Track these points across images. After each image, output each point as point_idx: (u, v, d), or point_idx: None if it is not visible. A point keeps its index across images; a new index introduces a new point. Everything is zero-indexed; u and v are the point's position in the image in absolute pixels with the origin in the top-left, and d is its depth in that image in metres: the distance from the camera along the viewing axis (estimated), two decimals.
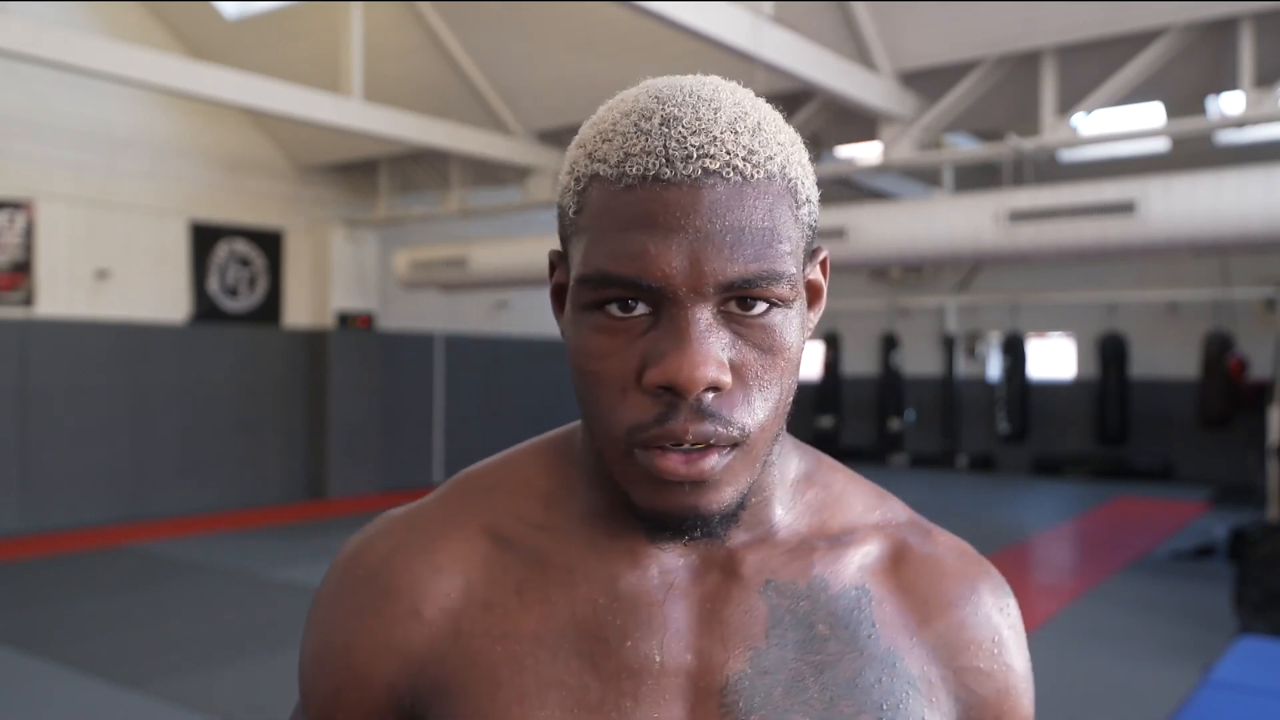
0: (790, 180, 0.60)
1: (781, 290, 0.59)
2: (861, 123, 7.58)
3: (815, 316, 0.68)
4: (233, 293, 10.05)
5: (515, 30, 8.10)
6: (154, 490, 9.40)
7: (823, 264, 0.68)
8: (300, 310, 10.69)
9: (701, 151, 0.57)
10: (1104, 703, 4.48)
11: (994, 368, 13.74)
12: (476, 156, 8.81)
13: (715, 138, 0.58)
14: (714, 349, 0.58)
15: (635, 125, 0.59)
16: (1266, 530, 5.80)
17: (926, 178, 11.41)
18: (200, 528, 8.88)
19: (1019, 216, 6.58)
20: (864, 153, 9.14)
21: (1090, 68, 6.68)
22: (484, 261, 9.48)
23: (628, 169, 0.58)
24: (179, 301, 9.65)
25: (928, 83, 7.25)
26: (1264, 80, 6.14)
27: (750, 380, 0.60)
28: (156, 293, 9.47)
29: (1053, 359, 13.77)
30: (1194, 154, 10.58)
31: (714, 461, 0.59)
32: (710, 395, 0.58)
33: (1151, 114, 9.26)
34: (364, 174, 11.10)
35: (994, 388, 13.34)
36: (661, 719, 0.64)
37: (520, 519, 0.70)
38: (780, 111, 0.65)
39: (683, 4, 5.05)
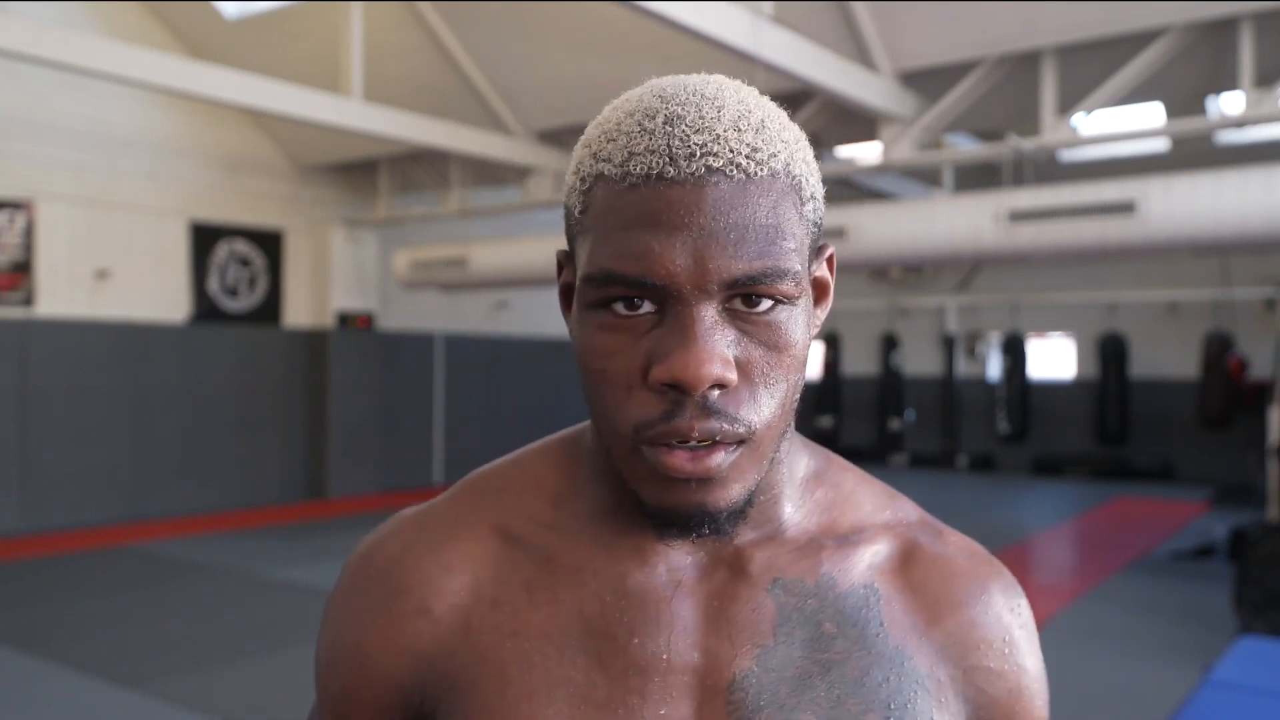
0: (794, 177, 0.61)
1: (786, 287, 0.59)
2: (861, 123, 7.58)
3: (822, 313, 0.68)
4: (233, 293, 10.05)
5: (515, 30, 8.10)
6: (154, 490, 9.40)
7: (829, 261, 0.68)
8: (300, 310, 10.69)
9: (705, 150, 0.58)
10: (1104, 703, 4.48)
11: (994, 368, 13.74)
12: (476, 156, 8.82)
13: (719, 136, 0.58)
14: (719, 346, 0.58)
15: (639, 124, 0.60)
16: (1266, 530, 5.80)
17: (926, 178, 11.41)
18: (200, 528, 8.88)
19: (1019, 216, 6.58)
20: (864, 153, 9.14)
21: (1090, 68, 6.68)
22: (484, 261, 9.48)
23: (632, 168, 0.59)
24: (179, 301, 9.65)
25: (928, 83, 7.25)
26: (1264, 80, 6.14)
27: (756, 378, 0.60)
28: (156, 293, 9.47)
29: (1053, 359, 13.77)
30: (1194, 154, 10.58)
31: (720, 459, 0.59)
32: (716, 392, 0.59)
33: (1151, 114, 9.26)
34: (364, 174, 11.10)
35: (994, 388, 13.34)
36: (669, 716, 0.64)
37: (530, 518, 0.71)
38: (785, 109, 0.65)
39: (683, 4, 5.05)
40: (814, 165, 0.64)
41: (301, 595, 6.49)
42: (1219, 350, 10.78)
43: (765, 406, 0.60)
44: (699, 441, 0.59)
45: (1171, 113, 9.38)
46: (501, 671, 0.66)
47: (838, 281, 14.27)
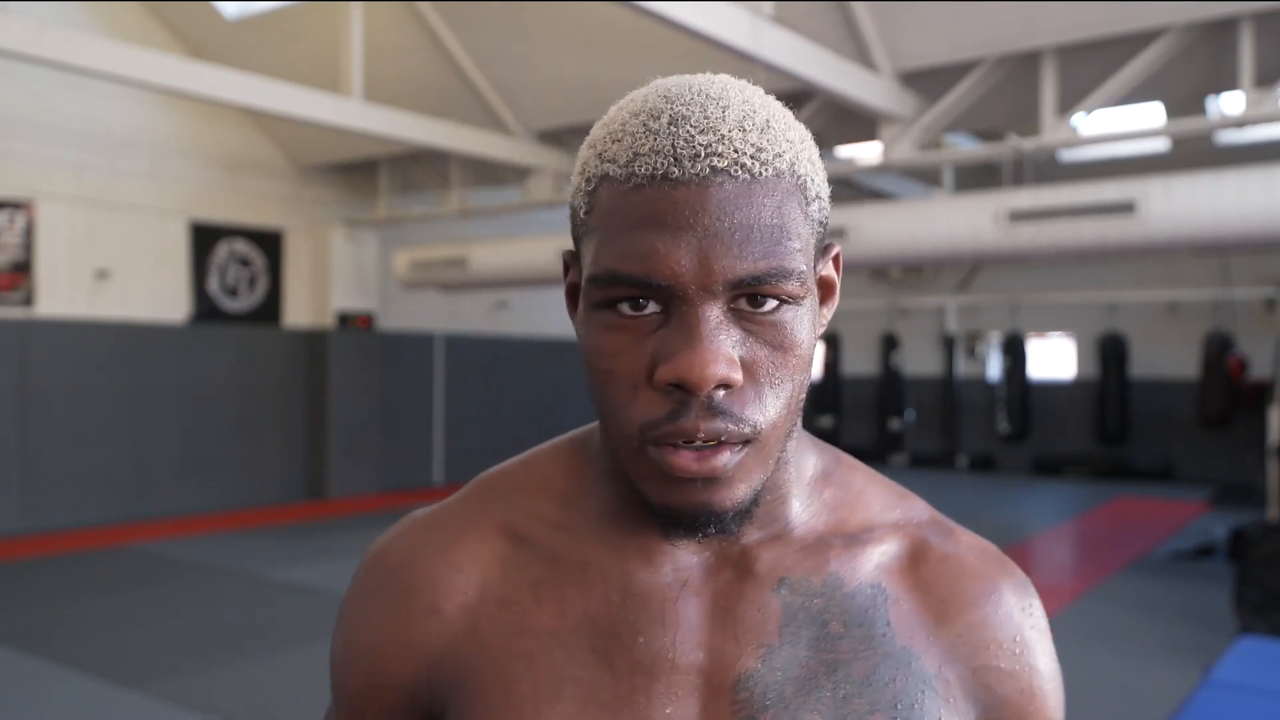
0: (799, 177, 0.61)
1: (791, 287, 0.59)
2: (861, 123, 7.58)
3: (828, 313, 0.68)
4: (233, 293, 10.05)
5: (515, 30, 8.10)
6: (154, 490, 9.40)
7: (835, 260, 0.68)
8: (300, 310, 10.69)
9: (709, 150, 0.58)
10: (1104, 703, 4.48)
11: (994, 368, 13.74)
12: (476, 156, 8.82)
13: (723, 136, 0.58)
14: (724, 346, 0.58)
15: (644, 125, 0.60)
16: (1266, 530, 5.80)
17: (926, 178, 11.41)
18: (200, 528, 8.88)
19: (1019, 216, 6.58)
20: (864, 153, 9.14)
21: (1090, 68, 6.68)
22: (484, 261, 9.48)
23: (636, 168, 0.59)
24: (179, 301, 9.65)
25: (928, 83, 7.25)
26: (1264, 80, 6.14)
27: (761, 377, 0.60)
28: (156, 293, 9.47)
29: (1053, 359, 13.77)
30: (1194, 154, 10.58)
31: (726, 459, 0.59)
32: (721, 392, 0.59)
33: (1151, 114, 9.26)
34: (364, 174, 11.10)
35: (994, 388, 13.34)
36: (674, 715, 0.64)
37: (538, 518, 0.71)
38: (791, 108, 0.65)
39: (683, 4, 5.05)
40: (819, 164, 0.64)
41: (301, 595, 6.49)
42: (1219, 350, 10.78)
43: (771, 406, 0.60)
44: (704, 441, 0.59)
45: (1171, 113, 9.38)
46: (508, 670, 0.67)
47: None
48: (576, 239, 0.65)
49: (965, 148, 9.50)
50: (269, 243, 10.39)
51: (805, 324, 0.61)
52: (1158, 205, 6.08)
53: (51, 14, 8.10)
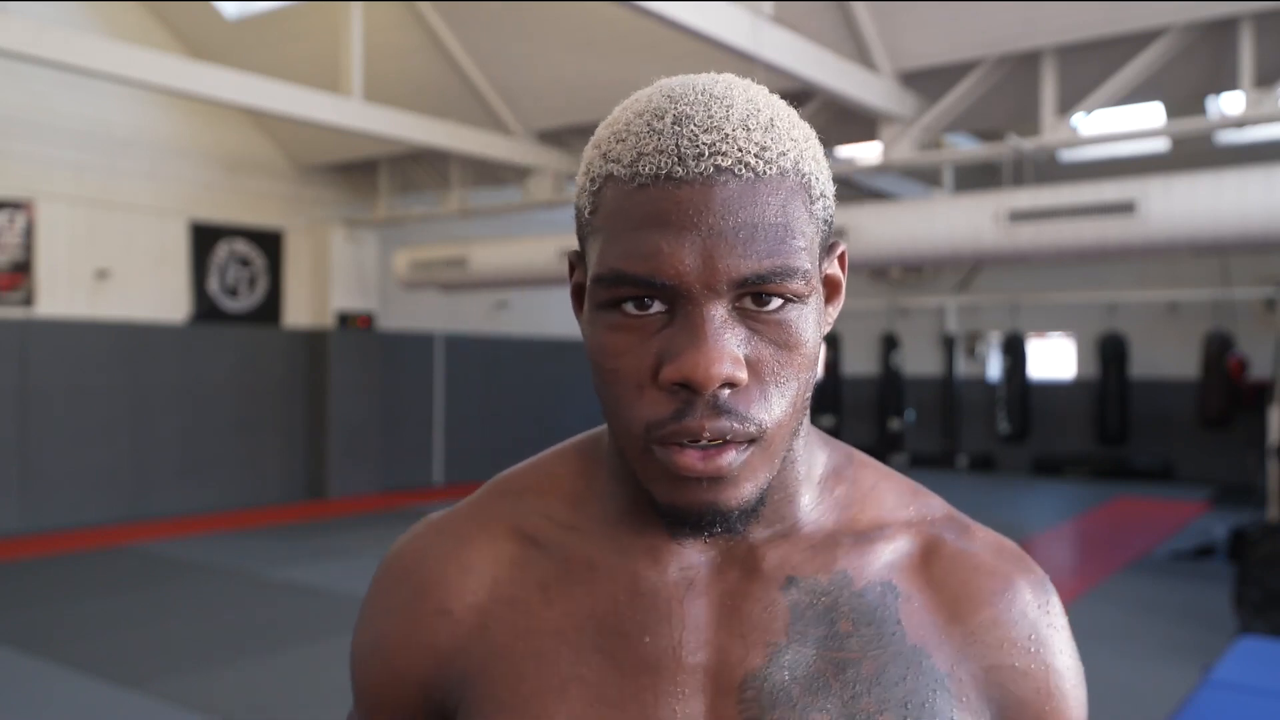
0: (804, 176, 0.61)
1: (796, 286, 0.59)
2: (861, 123, 7.58)
3: (834, 311, 0.68)
4: (233, 293, 10.05)
5: (515, 30, 8.10)
6: (154, 490, 9.40)
7: (840, 258, 0.68)
8: (300, 310, 10.69)
9: (713, 149, 0.58)
10: (1104, 703, 4.47)
11: (994, 368, 13.74)
12: (476, 156, 8.82)
13: (727, 135, 0.58)
14: (729, 345, 0.58)
15: (648, 125, 0.60)
16: (1266, 530, 5.80)
17: (926, 178, 11.41)
18: (200, 528, 8.88)
19: (1019, 216, 6.58)
20: (864, 153, 9.14)
21: (1090, 68, 6.68)
22: (484, 261, 9.48)
23: (641, 168, 0.59)
24: (179, 301, 9.65)
25: (928, 83, 7.25)
26: (1264, 80, 6.14)
27: (767, 376, 0.60)
28: (156, 293, 9.47)
29: (1053, 359, 13.77)
30: (1194, 154, 10.58)
31: (731, 458, 0.59)
32: (726, 391, 0.59)
33: (1151, 114, 9.26)
34: (364, 174, 11.10)
35: (994, 388, 13.34)
36: (680, 714, 0.65)
37: (549, 519, 0.72)
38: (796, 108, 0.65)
39: (683, 4, 5.05)
40: (824, 163, 0.64)
41: (301, 595, 6.49)
42: (1219, 350, 10.78)
43: (776, 405, 0.60)
44: (710, 441, 0.59)
45: (1171, 113, 9.38)
46: (516, 669, 0.67)
47: None
48: (582, 239, 0.65)
49: (965, 148, 9.50)
50: (269, 243, 10.39)
51: (810, 322, 0.61)
52: (1158, 205, 6.08)
53: (51, 14, 8.10)
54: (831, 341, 14.23)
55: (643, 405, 0.60)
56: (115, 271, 9.11)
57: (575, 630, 0.67)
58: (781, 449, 0.62)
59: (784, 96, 0.66)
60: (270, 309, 10.39)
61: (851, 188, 10.89)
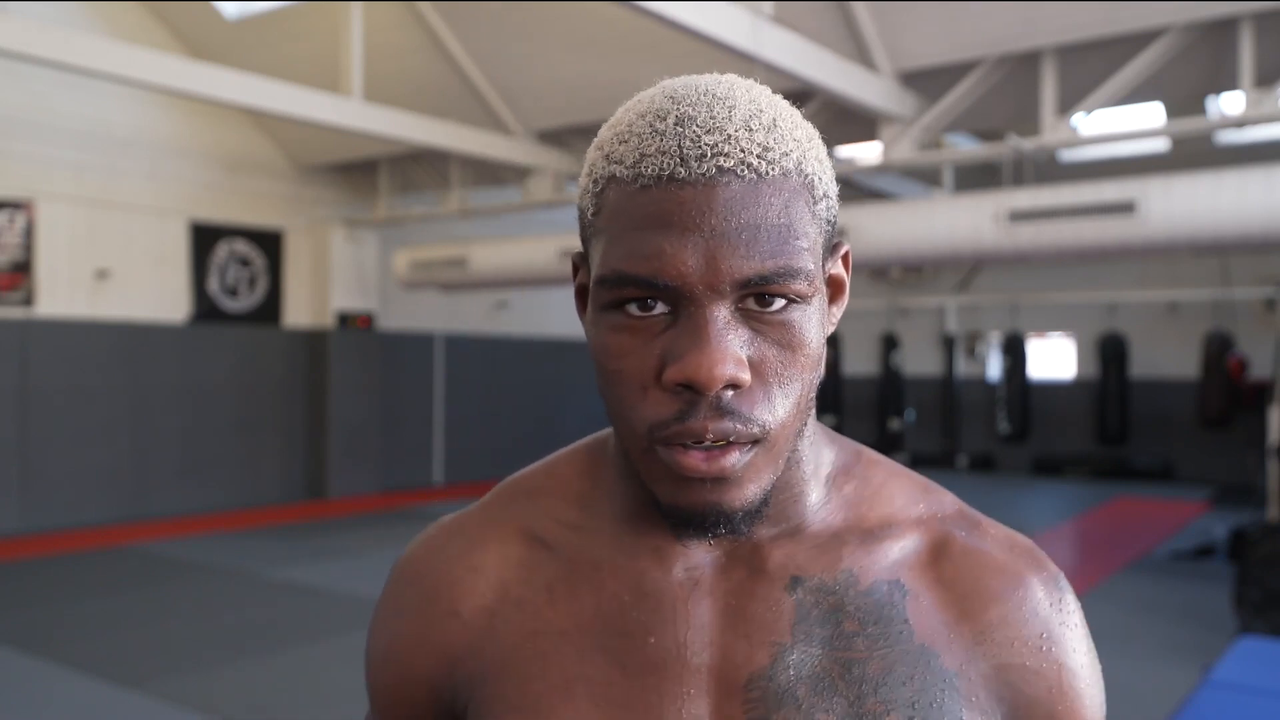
0: (807, 176, 0.61)
1: (799, 286, 0.59)
2: (861, 123, 7.58)
3: (838, 311, 0.68)
4: (233, 293, 10.05)
5: (515, 30, 8.10)
6: (154, 490, 9.40)
7: (845, 258, 0.68)
8: (300, 310, 10.69)
9: (715, 150, 0.58)
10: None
11: (994, 368, 13.74)
12: (476, 156, 8.82)
13: (729, 136, 0.58)
14: (732, 346, 0.58)
15: (650, 126, 0.60)
16: (1266, 530, 5.80)
17: (926, 178, 11.41)
18: (200, 528, 8.88)
19: (1019, 216, 6.58)
20: (864, 153, 9.14)
21: (1090, 68, 6.68)
22: (484, 261, 9.48)
23: (643, 169, 0.59)
24: (179, 301, 9.65)
25: (928, 83, 7.25)
26: (1264, 80, 6.14)
27: (770, 377, 0.60)
28: (156, 293, 9.47)
29: (1053, 359, 13.77)
30: (1194, 154, 10.58)
31: (735, 459, 0.59)
32: (730, 393, 0.59)
33: (1151, 114, 9.26)
34: (364, 174, 11.10)
35: (994, 388, 13.34)
36: (686, 715, 0.64)
37: (557, 520, 0.72)
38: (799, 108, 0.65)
39: (683, 4, 5.05)
40: (827, 163, 0.64)
41: (301, 595, 6.49)
42: (1219, 350, 10.78)
43: (780, 406, 0.60)
44: (713, 442, 0.59)
45: (1171, 113, 9.38)
46: (523, 669, 0.68)
47: None
48: (585, 240, 0.65)
49: (965, 148, 9.50)
50: (269, 243, 10.39)
51: (814, 323, 0.61)
52: (1158, 205, 6.08)
53: (51, 14, 8.10)
54: (831, 341, 14.21)
55: (646, 406, 0.60)
56: (115, 271, 9.11)
57: (581, 631, 0.67)
58: (785, 450, 0.62)
59: (784, 96, 0.66)
60: (270, 309, 10.39)
61: (851, 188, 10.89)
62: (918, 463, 13.82)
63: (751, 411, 0.59)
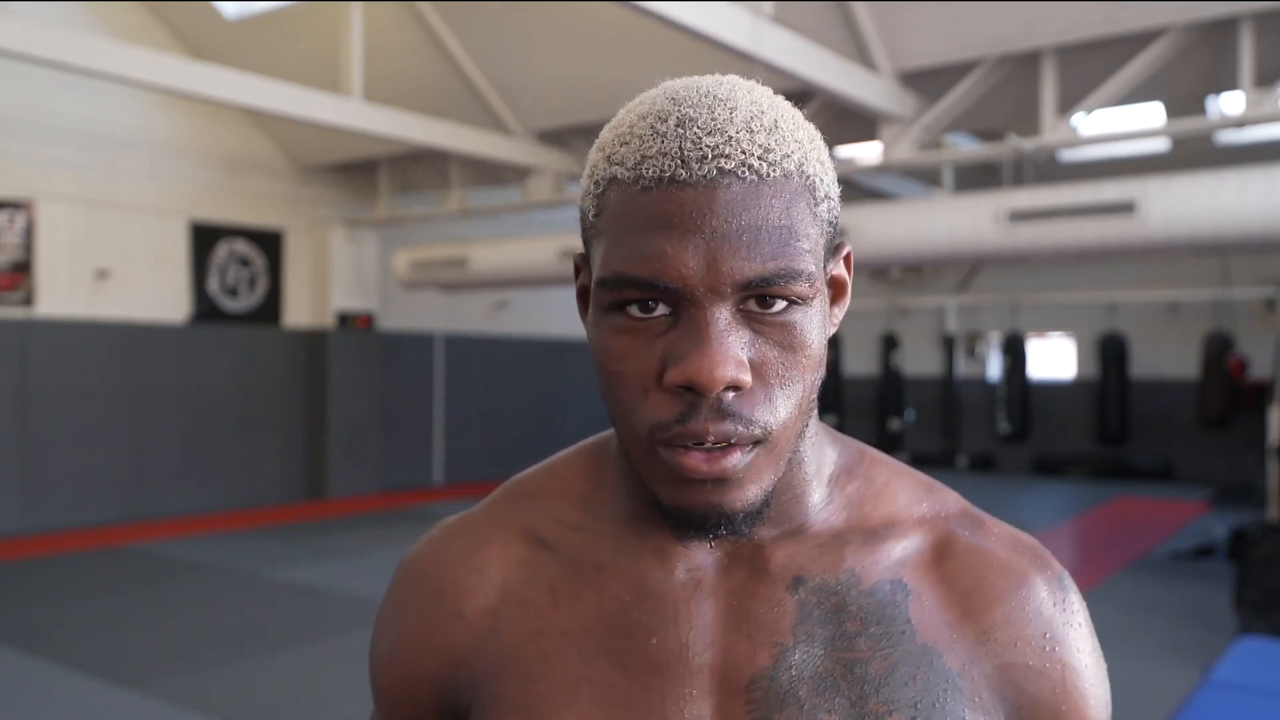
0: (808, 177, 0.61)
1: (800, 288, 0.59)
2: (861, 123, 7.58)
3: (840, 312, 0.68)
4: (233, 293, 10.05)
5: (515, 30, 8.10)
6: (154, 490, 9.40)
7: (846, 259, 0.68)
8: (300, 310, 10.69)
9: (716, 151, 0.58)
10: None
11: (994, 368, 13.74)
12: (476, 156, 8.82)
13: (730, 137, 0.58)
14: (733, 348, 0.58)
15: (651, 127, 0.60)
16: (1266, 530, 5.80)
17: (926, 178, 11.41)
18: (200, 528, 8.88)
19: (1019, 216, 6.58)
20: (864, 153, 9.14)
21: (1090, 68, 6.68)
22: (484, 261, 9.48)
23: (644, 171, 0.59)
24: (179, 301, 9.65)
25: (928, 83, 7.25)
26: (1264, 80, 6.14)
27: (771, 378, 0.60)
28: (156, 293, 9.47)
29: (1053, 359, 13.77)
30: (1194, 154, 10.58)
31: (736, 460, 0.59)
32: (731, 394, 0.59)
33: (1151, 114, 9.26)
34: (364, 174, 11.10)
35: (994, 388, 13.34)
36: (688, 715, 0.64)
37: (560, 521, 0.72)
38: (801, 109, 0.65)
39: (683, 4, 5.05)
40: (828, 164, 0.64)
41: (301, 595, 6.49)
42: (1219, 350, 10.78)
43: (781, 407, 0.60)
44: (714, 444, 0.59)
45: (1171, 113, 9.38)
46: (526, 670, 0.68)
47: None
48: (586, 242, 0.65)
49: (965, 148, 9.50)
50: (269, 243, 10.39)
51: (815, 324, 0.61)
52: (1158, 205, 6.08)
53: (51, 14, 8.10)
54: (832, 341, 13.95)
55: (647, 408, 0.60)
56: (115, 271, 9.11)
57: (583, 632, 0.67)
58: (787, 451, 0.62)
59: (784, 97, 0.66)
60: (270, 309, 10.39)
61: (851, 188, 10.89)
62: (918, 463, 13.82)
63: (753, 413, 0.59)
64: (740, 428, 0.59)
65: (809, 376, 0.61)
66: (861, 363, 14.56)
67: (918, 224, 7.13)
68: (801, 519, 0.68)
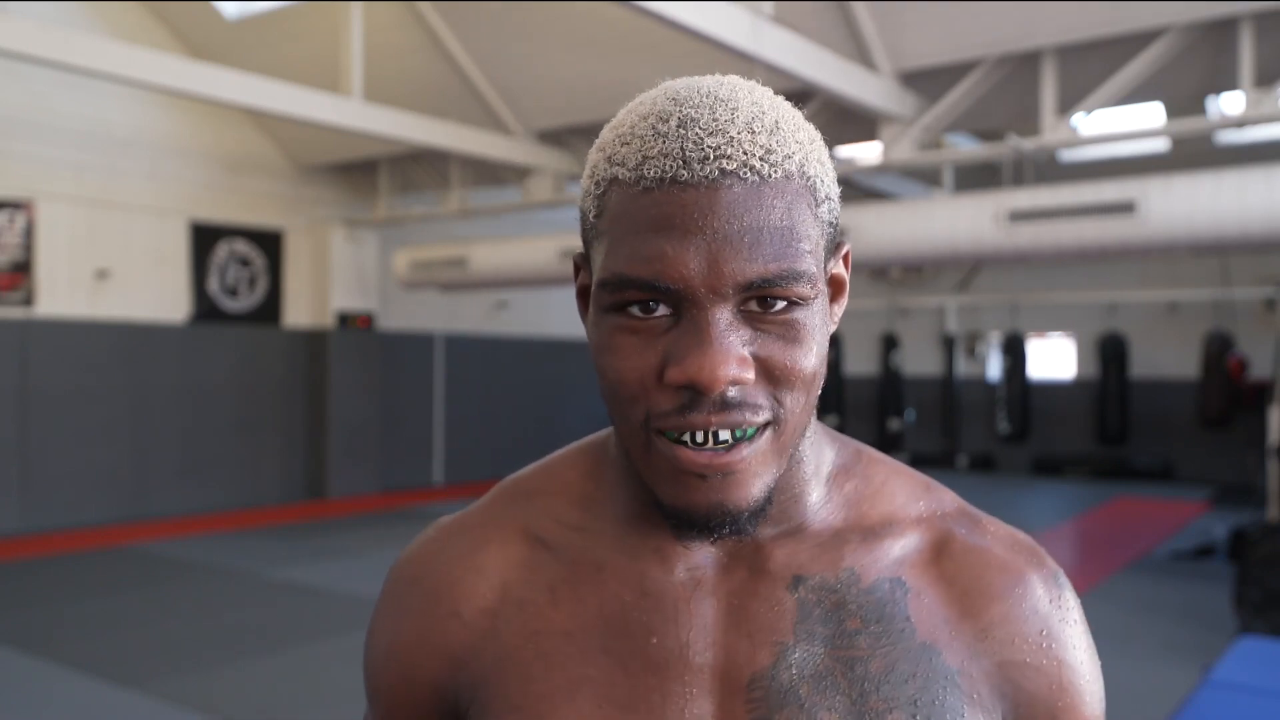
0: (809, 178, 0.61)
1: (802, 289, 0.59)
2: (861, 123, 7.58)
3: (839, 310, 0.68)
4: (233, 293, 10.05)
5: (515, 30, 8.10)
6: (154, 490, 9.40)
7: (845, 257, 0.68)
8: (300, 310, 10.69)
9: (718, 152, 0.58)
10: (1104, 702, 4.47)
11: (994, 368, 13.74)
12: (476, 156, 8.82)
13: (732, 138, 0.58)
14: (735, 346, 0.58)
15: (653, 128, 0.60)
16: (1266, 530, 5.80)
17: (926, 178, 11.41)
18: (200, 528, 8.88)
19: (1019, 216, 6.58)
20: (864, 153, 9.14)
21: (1090, 68, 6.68)
22: (484, 261, 9.48)
23: (645, 171, 0.59)
24: (179, 301, 9.65)
25: (928, 83, 7.25)
26: (1264, 80, 6.14)
27: (774, 372, 0.60)
28: (156, 293, 9.47)
29: (1053, 359, 13.77)
30: (1194, 154, 10.58)
31: (744, 453, 0.60)
32: (734, 390, 0.59)
33: (1151, 114, 9.26)
34: (364, 174, 11.10)
35: (994, 388, 13.34)
36: (689, 714, 0.65)
37: (558, 521, 0.72)
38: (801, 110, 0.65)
39: (683, 4, 5.05)
40: (829, 165, 0.64)
41: (301, 595, 6.49)
42: (1219, 350, 10.78)
43: (785, 398, 0.61)
44: (717, 443, 0.59)
45: (1171, 113, 9.38)
46: (525, 670, 0.68)
47: None
48: (586, 242, 0.65)
49: (965, 148, 9.50)
50: (269, 243, 10.39)
51: (816, 322, 0.61)
52: (1158, 205, 6.08)
53: (51, 14, 8.10)
54: (832, 341, 14.03)
55: (647, 401, 0.60)
56: (115, 271, 9.11)
57: (584, 631, 0.67)
58: (791, 444, 0.63)
59: (784, 97, 0.66)
60: (270, 309, 10.39)
61: (851, 188, 10.89)
62: (918, 463, 13.82)
63: (758, 400, 0.60)
64: (747, 415, 0.59)
65: (811, 372, 0.62)
66: (861, 363, 14.56)
67: (918, 224, 7.13)
68: (801, 518, 0.68)
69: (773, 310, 0.60)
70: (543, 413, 12.66)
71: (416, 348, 11.61)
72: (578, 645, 0.67)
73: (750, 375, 0.59)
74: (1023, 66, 6.97)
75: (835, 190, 0.64)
